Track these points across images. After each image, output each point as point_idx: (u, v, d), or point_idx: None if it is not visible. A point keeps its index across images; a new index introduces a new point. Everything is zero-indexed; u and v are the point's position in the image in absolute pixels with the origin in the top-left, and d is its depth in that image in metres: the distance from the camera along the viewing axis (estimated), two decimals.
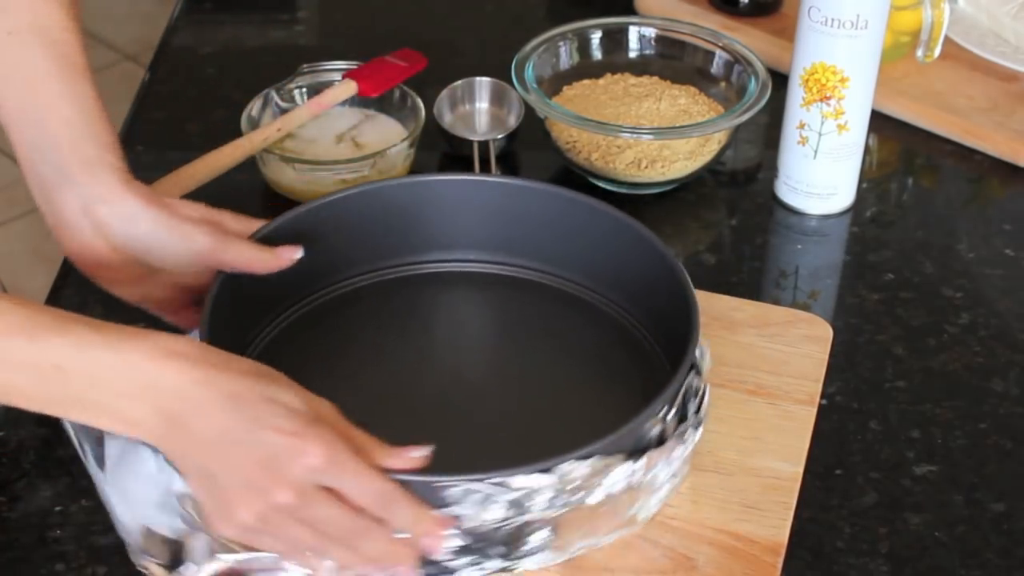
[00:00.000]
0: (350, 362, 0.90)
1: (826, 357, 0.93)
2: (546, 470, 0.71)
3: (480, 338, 0.95)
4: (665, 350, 0.88)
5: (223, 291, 0.83)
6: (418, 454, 0.71)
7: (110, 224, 0.81)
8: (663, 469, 0.75)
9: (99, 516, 0.82)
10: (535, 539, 0.73)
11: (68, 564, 0.80)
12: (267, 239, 0.88)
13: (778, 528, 0.81)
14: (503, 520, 0.71)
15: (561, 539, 0.74)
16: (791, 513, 0.82)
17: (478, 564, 0.73)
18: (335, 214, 0.91)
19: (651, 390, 0.78)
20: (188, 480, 0.71)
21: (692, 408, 0.78)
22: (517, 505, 0.71)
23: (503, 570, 0.74)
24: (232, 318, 0.84)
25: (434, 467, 0.72)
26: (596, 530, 0.75)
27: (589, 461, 0.72)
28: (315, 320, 0.92)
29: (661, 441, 0.76)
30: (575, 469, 0.72)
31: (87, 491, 0.84)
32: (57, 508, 0.83)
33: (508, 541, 0.73)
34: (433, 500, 0.71)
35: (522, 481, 0.71)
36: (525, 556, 0.74)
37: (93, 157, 0.82)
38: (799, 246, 1.08)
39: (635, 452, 0.74)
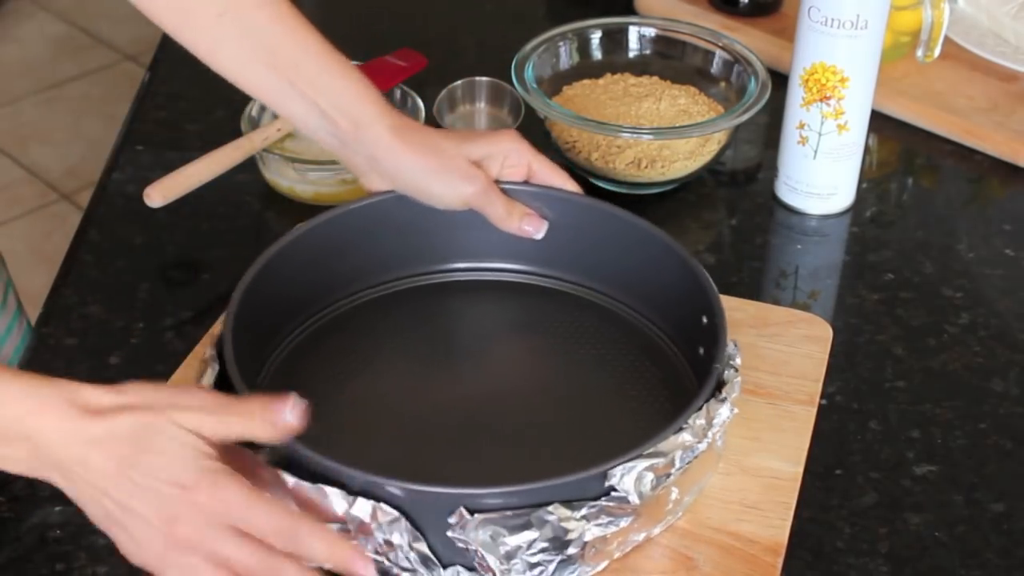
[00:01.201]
0: (374, 369, 0.90)
1: (826, 357, 0.93)
2: (681, 429, 0.75)
3: (504, 344, 0.95)
4: (684, 351, 0.89)
5: (247, 297, 0.84)
6: (292, 413, 0.70)
7: (388, 175, 0.90)
8: (727, 409, 0.79)
9: None
10: (671, 500, 0.76)
11: (68, 564, 0.80)
12: (291, 247, 0.88)
13: (778, 528, 0.81)
14: (652, 489, 0.73)
15: (682, 494, 0.77)
16: (791, 513, 0.82)
17: (627, 541, 0.76)
18: (360, 221, 0.92)
19: (674, 389, 0.84)
20: (90, 516, 0.70)
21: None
22: (664, 470, 0.74)
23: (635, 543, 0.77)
24: (255, 324, 0.84)
25: (471, 478, 0.73)
26: (700, 477, 0.79)
27: (703, 411, 0.77)
28: (339, 327, 0.93)
29: (719, 387, 0.81)
30: (698, 420, 0.76)
31: None
32: (57, 508, 0.83)
33: (653, 511, 0.76)
34: (596, 490, 0.72)
35: (669, 444, 0.74)
36: (662, 521, 0.77)
37: (355, 117, 0.88)
38: (799, 246, 1.08)
39: (711, 397, 0.79)
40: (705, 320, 0.85)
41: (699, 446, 0.76)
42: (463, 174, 0.89)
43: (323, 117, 0.88)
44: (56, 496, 0.83)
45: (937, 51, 1.20)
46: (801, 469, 0.85)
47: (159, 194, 1.01)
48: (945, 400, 0.93)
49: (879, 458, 0.88)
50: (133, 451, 0.67)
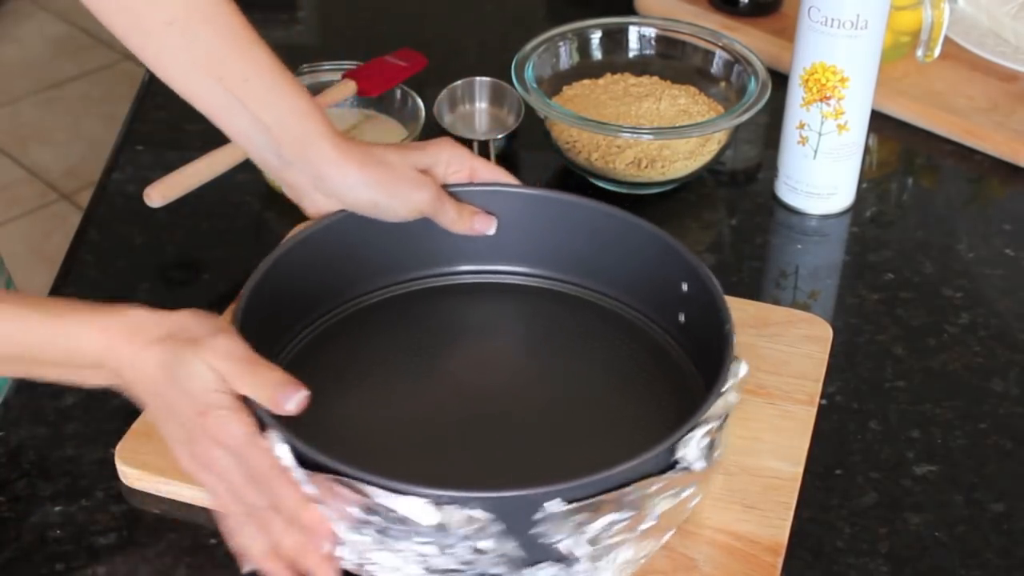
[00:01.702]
0: (384, 369, 0.90)
1: (826, 357, 0.93)
2: (722, 393, 0.78)
3: (512, 346, 0.95)
4: (692, 356, 0.89)
5: (253, 299, 0.84)
6: (294, 403, 0.73)
7: (337, 192, 0.89)
8: (744, 367, 0.82)
9: (99, 516, 0.83)
10: (714, 460, 0.79)
11: (68, 564, 0.80)
12: (295, 250, 0.89)
13: (778, 528, 0.81)
14: (709, 453, 0.77)
15: (721, 455, 0.80)
16: (791, 513, 0.82)
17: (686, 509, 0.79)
18: (364, 225, 0.91)
19: (680, 393, 0.86)
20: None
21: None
22: (715, 433, 0.77)
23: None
24: (262, 324, 0.85)
25: (509, 475, 0.77)
26: (728, 436, 0.81)
27: (731, 371, 0.80)
28: (344, 330, 0.93)
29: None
30: (729, 380, 0.79)
31: (87, 491, 0.84)
32: (57, 508, 0.83)
33: (707, 475, 0.78)
34: (664, 463, 0.75)
35: (717, 408, 0.77)
36: (709, 483, 0.80)
37: (300, 134, 0.87)
38: (799, 246, 1.08)
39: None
40: (685, 287, 0.87)
41: (731, 409, 0.79)
42: (414, 183, 0.89)
43: (267, 133, 0.87)
44: (56, 496, 0.84)
45: (937, 51, 1.20)
46: (801, 469, 0.85)
47: (159, 194, 1.01)
48: (945, 400, 0.93)
49: (879, 458, 0.88)
50: (164, 378, 0.74)
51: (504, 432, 0.85)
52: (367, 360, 0.91)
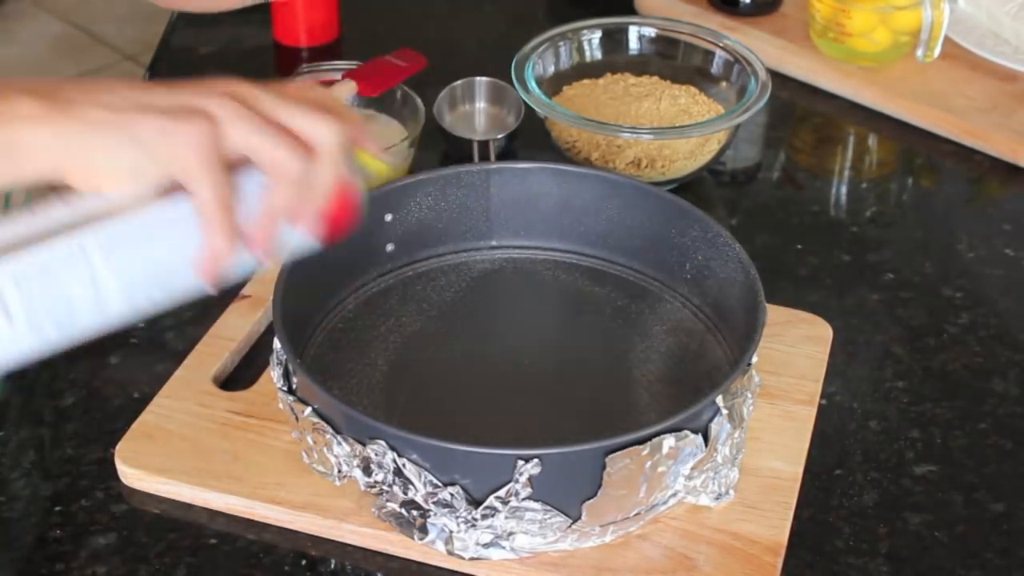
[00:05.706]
0: (421, 339, 0.92)
1: (826, 357, 0.93)
2: (748, 369, 0.81)
3: (548, 321, 0.96)
4: (724, 333, 0.91)
5: (296, 268, 0.86)
6: None
7: None
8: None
9: (99, 516, 0.83)
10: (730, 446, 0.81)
11: (68, 564, 0.80)
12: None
13: (778, 528, 0.81)
14: (744, 417, 0.80)
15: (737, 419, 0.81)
16: (791, 513, 0.82)
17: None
18: (415, 195, 0.94)
19: (711, 368, 0.89)
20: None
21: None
22: (729, 408, 0.79)
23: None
24: (306, 292, 0.87)
25: (512, 439, 0.80)
26: (744, 415, 0.82)
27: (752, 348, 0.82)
28: (386, 298, 0.95)
29: None
30: (751, 360, 0.81)
31: (87, 491, 0.84)
32: (57, 508, 0.83)
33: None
34: (697, 425, 0.77)
35: (740, 384, 0.80)
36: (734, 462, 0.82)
37: None
38: (799, 246, 1.08)
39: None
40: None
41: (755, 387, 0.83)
42: None
43: None
44: (56, 496, 0.84)
45: (937, 51, 1.20)
46: (801, 469, 0.85)
47: None
48: (945, 400, 0.93)
49: (879, 458, 0.88)
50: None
51: (543, 392, 0.88)
52: (407, 327, 0.93)
